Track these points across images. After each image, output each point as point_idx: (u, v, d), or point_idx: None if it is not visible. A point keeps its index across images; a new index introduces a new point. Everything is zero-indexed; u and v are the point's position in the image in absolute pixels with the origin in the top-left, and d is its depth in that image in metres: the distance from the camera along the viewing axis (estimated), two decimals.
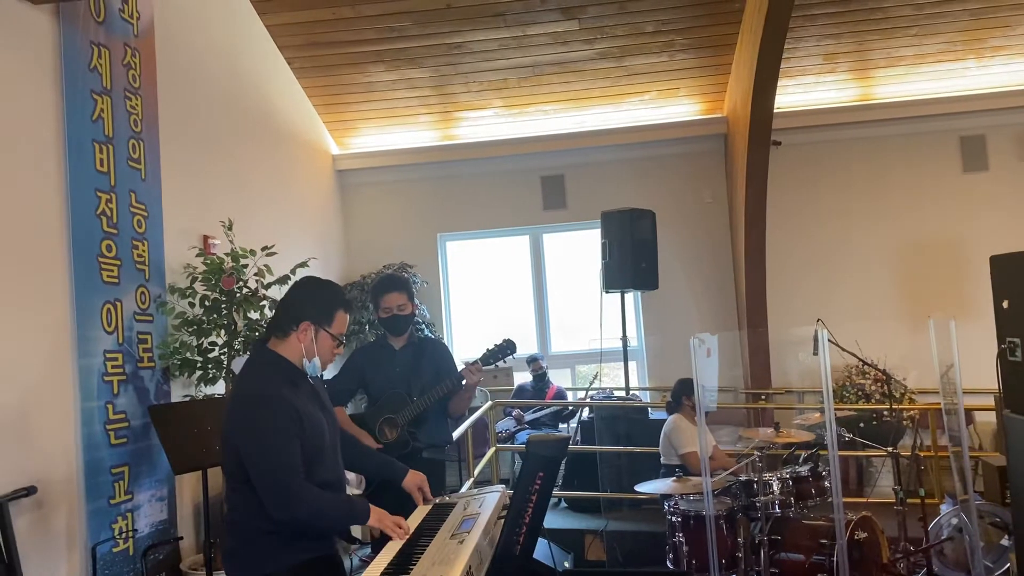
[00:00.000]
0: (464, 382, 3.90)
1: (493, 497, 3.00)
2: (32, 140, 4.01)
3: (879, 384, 7.47)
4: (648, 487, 5.00)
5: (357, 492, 3.45)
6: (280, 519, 2.53)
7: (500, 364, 4.07)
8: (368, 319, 7.84)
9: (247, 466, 2.54)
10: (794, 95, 7.95)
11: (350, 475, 3.51)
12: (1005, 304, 4.20)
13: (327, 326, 2.71)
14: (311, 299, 2.72)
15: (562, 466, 7.49)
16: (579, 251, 8.79)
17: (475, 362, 3.90)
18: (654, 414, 6.98)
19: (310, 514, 2.55)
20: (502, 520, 2.81)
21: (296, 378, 2.68)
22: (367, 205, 8.86)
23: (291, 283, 2.84)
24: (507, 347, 3.99)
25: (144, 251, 4.74)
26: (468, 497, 3.09)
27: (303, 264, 5.15)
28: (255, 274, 5.05)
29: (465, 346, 8.69)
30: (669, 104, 8.26)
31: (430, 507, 3.06)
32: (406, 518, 2.86)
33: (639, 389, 8.17)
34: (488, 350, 3.99)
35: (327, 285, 2.81)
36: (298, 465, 2.55)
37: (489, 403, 6.60)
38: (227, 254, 5.02)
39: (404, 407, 3.90)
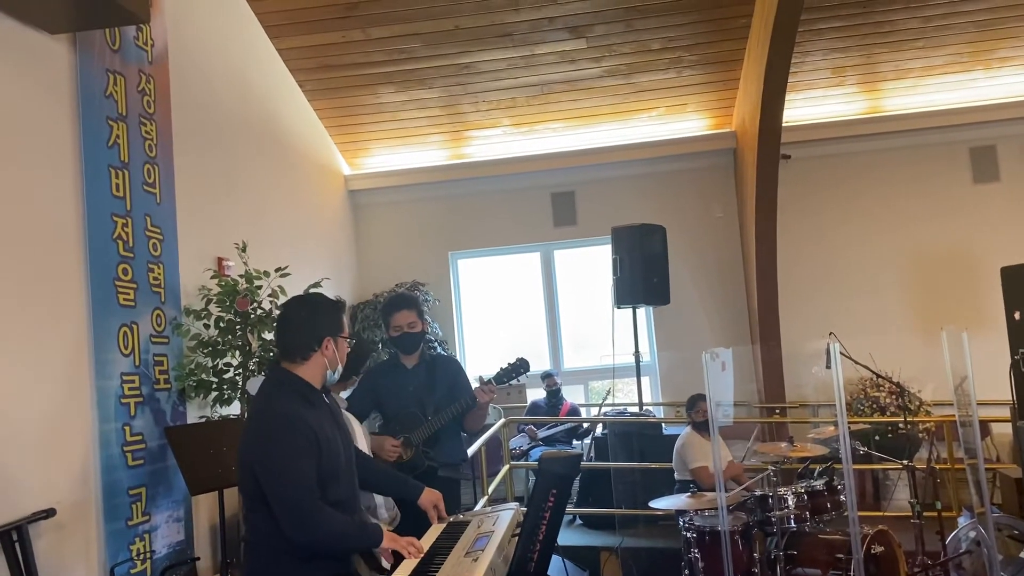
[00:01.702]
0: (477, 401, 3.93)
1: (507, 515, 3.01)
2: (50, 166, 4.08)
3: (894, 397, 7.44)
4: (662, 503, 5.00)
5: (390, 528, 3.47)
6: (294, 539, 2.56)
7: (514, 383, 4.10)
8: (381, 338, 7.88)
9: (263, 486, 2.57)
10: (802, 109, 7.97)
11: (383, 505, 3.53)
12: (1017, 315, 4.20)
13: (341, 333, 2.83)
14: (322, 317, 2.79)
15: (576, 483, 7.50)
16: (590, 267, 8.81)
17: (488, 381, 3.92)
18: (668, 429, 6.97)
19: (324, 536, 2.58)
20: (516, 538, 2.83)
21: (313, 398, 2.73)
22: (379, 224, 8.92)
23: (285, 306, 2.88)
24: (520, 366, 4.02)
25: (160, 274, 4.80)
26: (482, 515, 3.11)
27: (316, 284, 5.19)
28: (269, 295, 5.09)
29: (478, 363, 8.71)
30: (677, 120, 8.29)
31: (444, 525, 3.08)
32: (420, 536, 2.88)
33: (652, 404, 8.17)
34: (502, 369, 4.02)
35: (321, 299, 2.91)
36: (314, 486, 2.59)
37: (502, 420, 6.61)
38: (241, 276, 5.08)
39: (418, 426, 3.93)
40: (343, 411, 3.42)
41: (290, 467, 2.55)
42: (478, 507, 5.41)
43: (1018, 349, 4.26)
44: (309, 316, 2.77)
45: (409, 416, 3.97)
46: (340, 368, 2.83)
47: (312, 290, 5.17)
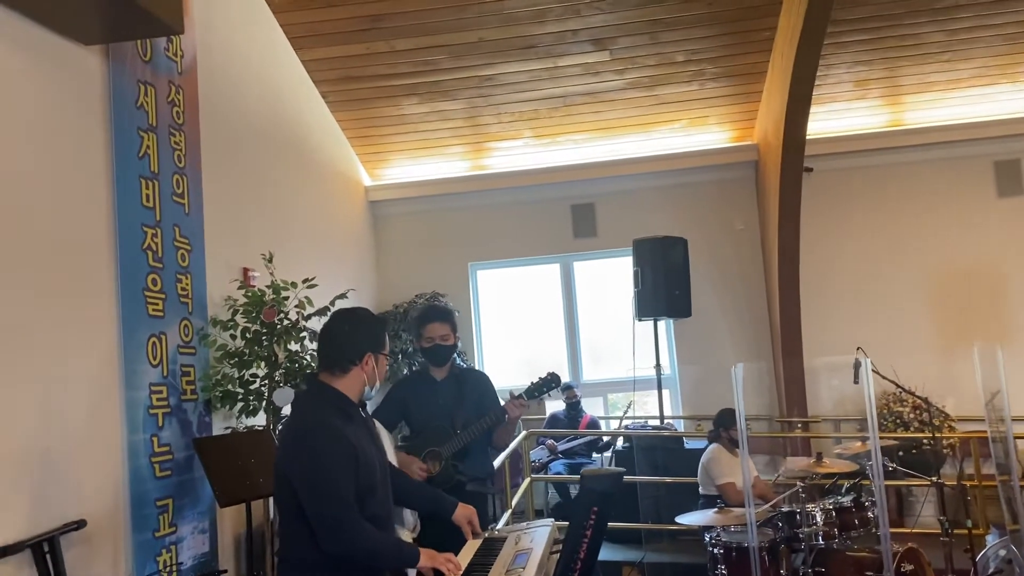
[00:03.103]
0: (507, 416, 3.90)
1: (544, 531, 2.99)
2: (82, 176, 4.09)
3: (917, 412, 7.38)
4: (689, 518, 4.96)
5: (412, 536, 3.45)
6: (330, 554, 2.55)
7: (545, 398, 4.08)
8: (401, 348, 7.86)
9: (301, 499, 2.56)
10: (825, 121, 7.93)
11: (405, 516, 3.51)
12: None
13: (383, 350, 2.83)
14: (364, 332, 2.79)
15: None
16: (610, 279, 8.78)
17: (519, 396, 3.90)
18: (689, 443, 6.93)
19: (361, 551, 2.58)
20: (554, 555, 2.80)
21: (351, 411, 2.72)
22: (399, 235, 8.92)
23: (330, 318, 2.88)
24: (552, 380, 4.00)
25: (187, 284, 4.80)
26: (519, 531, 3.08)
27: (342, 295, 5.19)
28: (296, 306, 5.09)
29: (496, 375, 8.64)
30: (699, 132, 8.27)
31: (480, 541, 3.05)
32: (450, 551, 2.84)
33: (673, 418, 8.12)
34: (533, 383, 4.00)
35: (367, 314, 2.93)
36: (352, 500, 2.57)
37: (523, 433, 6.57)
38: (268, 286, 5.07)
39: (448, 440, 3.90)
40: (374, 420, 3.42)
41: (329, 481, 2.54)
42: (502, 521, 5.38)
43: None
44: (352, 330, 2.77)
45: (438, 429, 3.94)
46: (378, 384, 2.82)
47: (338, 301, 5.17)
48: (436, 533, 3.30)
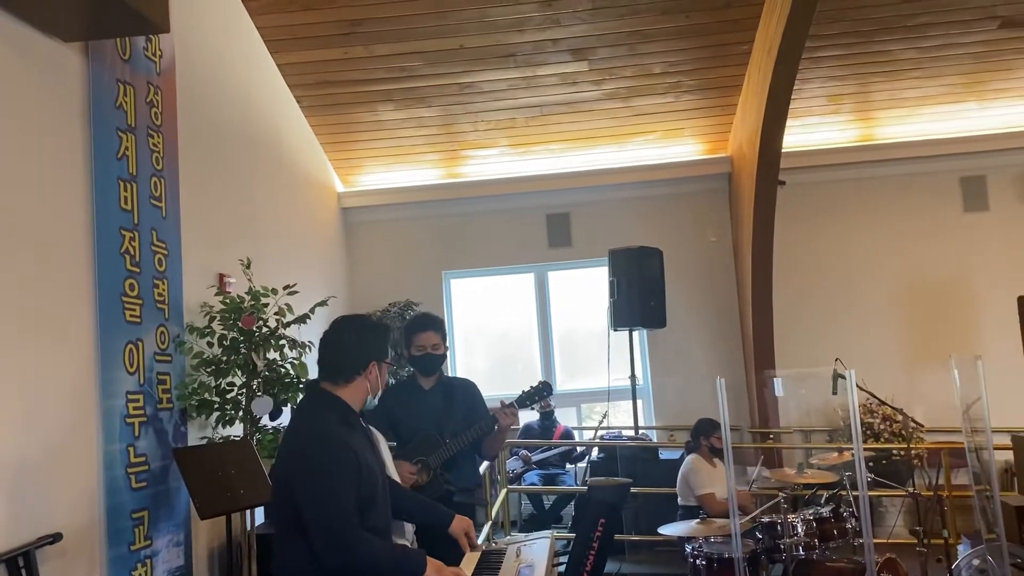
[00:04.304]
0: (498, 424, 3.85)
1: (543, 544, 2.95)
2: (60, 177, 3.95)
3: (888, 423, 7.47)
4: (671, 529, 4.95)
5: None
6: (331, 567, 2.49)
7: (535, 408, 4.04)
8: None
9: (302, 509, 2.50)
10: (799, 135, 8.03)
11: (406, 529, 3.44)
12: None
13: (386, 358, 2.80)
14: (370, 341, 2.74)
15: (571, 507, 7.40)
16: (584, 289, 8.77)
17: (511, 404, 3.86)
18: (664, 454, 6.93)
19: (364, 563, 2.51)
20: (555, 567, 2.76)
21: (352, 421, 2.67)
22: (372, 243, 8.82)
23: (333, 326, 2.79)
24: (543, 389, 3.96)
25: (164, 290, 4.67)
26: (518, 543, 3.04)
27: (322, 303, 5.10)
28: (275, 313, 4.98)
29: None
30: (673, 144, 8.32)
31: (479, 554, 3.00)
32: (444, 563, 2.79)
33: (647, 428, 8.12)
34: (524, 392, 3.96)
35: (371, 322, 2.88)
36: (353, 511, 2.52)
37: None
38: (247, 293, 4.96)
39: (437, 449, 3.84)
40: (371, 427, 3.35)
41: (331, 491, 2.48)
42: (483, 532, 5.32)
43: None
44: (358, 339, 2.72)
45: (427, 438, 3.88)
46: (380, 392, 2.77)
47: (318, 308, 5.08)
48: (431, 545, 3.23)
